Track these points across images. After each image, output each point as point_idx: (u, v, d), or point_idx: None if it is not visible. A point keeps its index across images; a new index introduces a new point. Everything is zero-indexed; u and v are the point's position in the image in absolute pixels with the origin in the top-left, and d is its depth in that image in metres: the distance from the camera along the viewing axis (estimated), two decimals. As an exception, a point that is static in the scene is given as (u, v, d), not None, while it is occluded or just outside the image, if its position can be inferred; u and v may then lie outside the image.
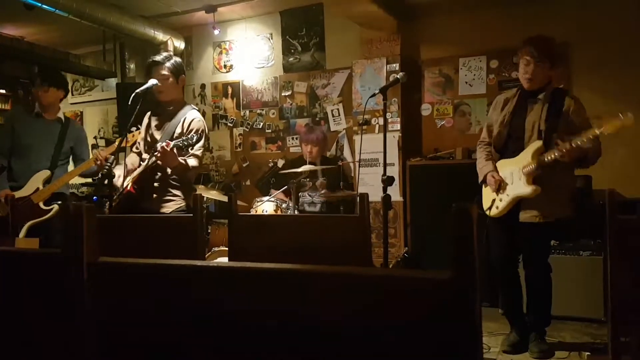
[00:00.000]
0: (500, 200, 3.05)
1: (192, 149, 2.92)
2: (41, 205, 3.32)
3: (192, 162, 2.94)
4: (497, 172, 3.08)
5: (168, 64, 3.01)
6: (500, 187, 3.04)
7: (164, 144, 2.78)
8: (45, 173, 3.40)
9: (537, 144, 2.92)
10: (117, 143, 3.18)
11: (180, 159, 2.84)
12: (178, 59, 3.11)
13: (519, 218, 2.98)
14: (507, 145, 3.09)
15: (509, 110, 3.09)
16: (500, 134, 3.09)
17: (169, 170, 2.95)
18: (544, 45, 2.96)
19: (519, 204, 2.99)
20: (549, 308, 3.13)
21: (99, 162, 3.30)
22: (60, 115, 3.59)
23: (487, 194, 3.15)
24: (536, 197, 2.92)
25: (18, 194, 3.33)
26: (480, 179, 3.17)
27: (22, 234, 3.25)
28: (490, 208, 3.09)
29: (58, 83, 3.53)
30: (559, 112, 2.95)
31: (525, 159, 2.96)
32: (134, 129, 3.16)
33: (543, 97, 2.99)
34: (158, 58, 3.04)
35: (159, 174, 2.98)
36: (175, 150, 2.77)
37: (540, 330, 3.14)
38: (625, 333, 1.89)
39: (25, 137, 3.45)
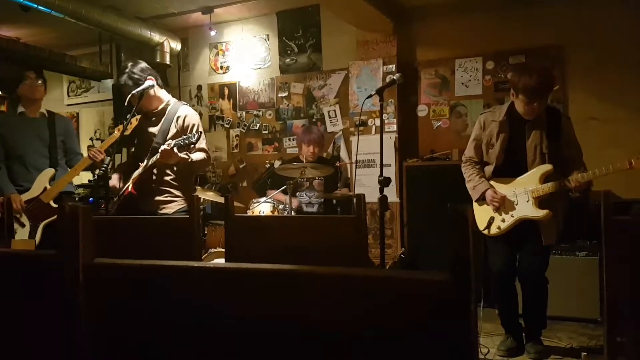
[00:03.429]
0: (503, 220, 3.02)
1: (194, 147, 2.94)
2: (52, 204, 3.32)
3: (198, 155, 2.97)
4: (496, 190, 3.05)
5: (132, 83, 2.96)
6: (501, 205, 3.02)
7: (165, 145, 2.79)
8: (50, 172, 3.39)
9: (546, 167, 2.93)
10: (111, 138, 3.19)
11: (182, 154, 2.85)
12: (137, 66, 3.01)
13: (543, 241, 2.98)
14: (504, 166, 3.06)
15: (504, 131, 3.05)
16: (499, 155, 3.06)
17: (174, 168, 2.96)
18: (547, 87, 2.92)
19: (522, 223, 2.99)
20: (545, 313, 3.17)
21: (93, 157, 3.29)
22: (43, 111, 3.58)
23: (483, 212, 3.10)
24: (548, 220, 2.94)
25: (25, 196, 3.33)
26: (477, 196, 3.10)
27: (38, 235, 3.25)
28: (488, 227, 3.04)
29: (45, 80, 3.56)
30: (558, 133, 2.98)
31: (531, 181, 2.96)
32: (129, 116, 3.14)
33: (541, 120, 2.99)
34: (120, 81, 3.01)
35: (155, 175, 2.98)
36: (176, 149, 2.79)
37: (537, 332, 3.16)
38: (621, 333, 1.90)
39: (16, 139, 3.43)
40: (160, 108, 3.08)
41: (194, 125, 3.00)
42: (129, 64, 3.03)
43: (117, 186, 3.03)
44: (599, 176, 2.80)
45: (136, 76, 2.97)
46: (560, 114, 3.12)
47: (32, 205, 3.30)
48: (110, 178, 2.93)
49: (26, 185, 3.37)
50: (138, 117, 3.11)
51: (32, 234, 3.25)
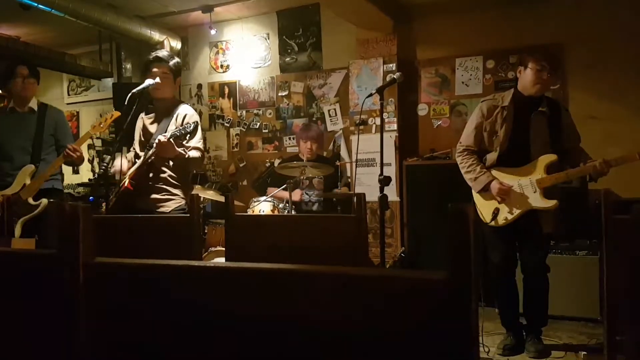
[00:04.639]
0: (510, 212, 2.99)
1: (190, 139, 2.95)
2: (30, 200, 3.30)
3: (193, 153, 2.97)
4: (502, 182, 3.01)
5: (171, 63, 3.06)
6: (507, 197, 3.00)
7: (161, 137, 2.80)
8: (30, 168, 3.35)
9: (550, 156, 2.93)
10: (86, 135, 3.27)
11: (179, 150, 2.86)
12: (179, 60, 3.18)
13: (543, 229, 2.98)
14: (507, 154, 3.04)
15: (508, 121, 3.02)
16: (503, 143, 3.03)
17: (170, 163, 2.97)
18: (555, 62, 3.06)
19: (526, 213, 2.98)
20: (547, 309, 3.15)
21: (67, 155, 3.28)
22: (33, 105, 3.52)
23: (487, 204, 3.07)
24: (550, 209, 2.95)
25: (6, 192, 3.30)
26: (480, 187, 3.05)
27: (17, 232, 3.23)
28: (494, 219, 3.01)
29: (38, 76, 3.55)
30: (560, 124, 3.00)
31: (535, 170, 2.95)
32: (106, 114, 3.18)
33: (544, 108, 3.00)
34: (162, 54, 3.08)
35: (152, 173, 2.98)
36: (172, 141, 2.80)
37: (537, 330, 3.15)
38: (621, 332, 1.90)
39: (1, 134, 3.40)
40: (166, 106, 3.09)
41: (192, 122, 3.00)
42: (172, 54, 3.26)
43: (119, 170, 3.03)
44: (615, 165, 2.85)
45: (178, 66, 3.13)
46: (559, 105, 3.14)
47: (11, 201, 3.27)
48: (109, 175, 2.93)
49: (9, 180, 3.34)
50: (114, 112, 3.18)
51: (9, 230, 3.22)
